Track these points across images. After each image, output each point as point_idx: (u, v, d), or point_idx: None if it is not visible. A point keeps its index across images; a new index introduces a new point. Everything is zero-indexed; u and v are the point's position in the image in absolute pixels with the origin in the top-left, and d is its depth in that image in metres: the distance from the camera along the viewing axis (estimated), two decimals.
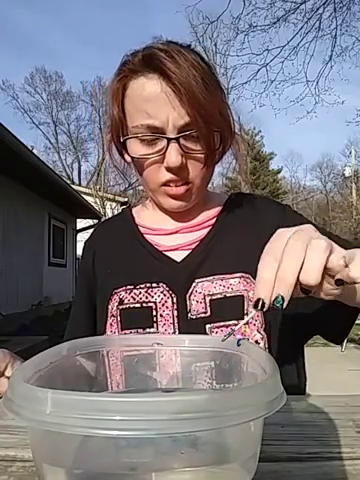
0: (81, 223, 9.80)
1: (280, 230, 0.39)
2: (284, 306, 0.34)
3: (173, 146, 0.58)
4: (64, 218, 8.49)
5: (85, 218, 9.75)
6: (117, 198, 12.50)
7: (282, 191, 26.01)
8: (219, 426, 0.23)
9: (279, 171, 26.65)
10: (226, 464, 0.29)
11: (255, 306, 0.35)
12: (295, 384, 0.66)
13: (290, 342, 0.64)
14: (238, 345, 0.39)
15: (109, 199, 12.69)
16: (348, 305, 0.54)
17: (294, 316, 0.64)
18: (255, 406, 0.24)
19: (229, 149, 0.67)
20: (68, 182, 9.95)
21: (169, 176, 0.61)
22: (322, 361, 3.62)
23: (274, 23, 7.34)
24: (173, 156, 0.58)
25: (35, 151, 8.66)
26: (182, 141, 0.58)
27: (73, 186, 9.52)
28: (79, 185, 16.58)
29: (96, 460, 0.29)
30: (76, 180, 22.44)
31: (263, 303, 0.35)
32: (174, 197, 0.64)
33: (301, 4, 7.09)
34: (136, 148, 0.61)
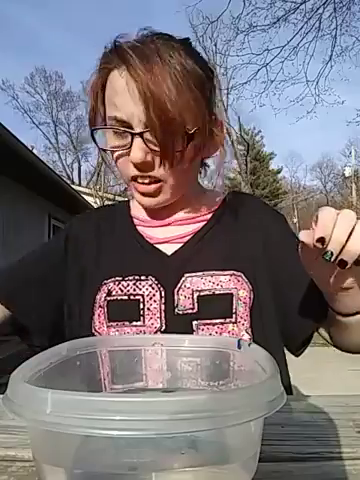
0: None
1: (324, 207, 0.44)
2: (331, 260, 0.41)
3: (136, 141, 0.57)
4: (64, 218, 8.48)
5: None
6: (117, 198, 12.50)
7: (282, 191, 26.01)
8: (219, 426, 0.23)
9: (279, 171, 26.66)
10: (226, 464, 0.29)
11: (318, 241, 0.41)
12: (286, 385, 0.65)
13: (276, 344, 0.64)
14: (239, 346, 0.39)
15: (109, 199, 12.70)
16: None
17: (277, 321, 0.64)
18: (255, 406, 0.24)
19: (214, 148, 0.65)
20: (68, 182, 9.95)
21: (136, 172, 0.60)
22: (322, 361, 3.62)
23: (274, 23, 7.38)
24: (135, 152, 0.57)
25: (35, 151, 8.66)
26: (148, 137, 0.56)
27: (73, 186, 9.52)
28: (79, 185, 16.58)
29: (96, 460, 0.29)
30: (76, 180, 22.47)
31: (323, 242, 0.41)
32: (143, 194, 0.62)
33: (301, 4, 7.11)
34: (109, 139, 0.60)
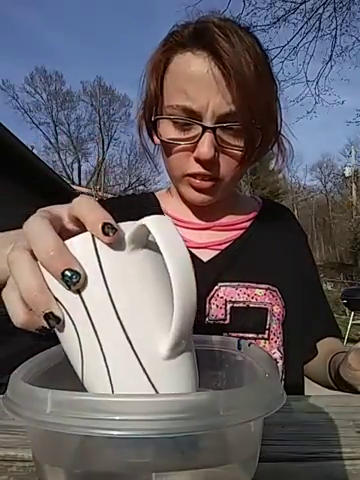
0: None
1: None
2: None
3: (207, 136, 0.51)
4: None
5: None
6: None
7: (282, 191, 26.00)
8: (219, 426, 0.23)
9: (279, 171, 26.64)
10: (226, 464, 0.29)
11: None
12: (301, 387, 0.65)
13: (300, 360, 0.63)
14: (239, 347, 0.39)
15: None
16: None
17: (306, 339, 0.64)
18: (255, 406, 0.24)
19: (271, 149, 0.61)
20: (68, 182, 9.95)
21: (197, 168, 0.54)
22: None
23: (274, 23, 7.35)
24: (206, 147, 0.51)
25: (35, 151, 8.66)
26: (218, 132, 0.52)
27: (73, 186, 9.52)
28: (79, 185, 16.60)
29: (96, 460, 0.29)
30: (76, 180, 22.46)
31: None
32: (197, 189, 0.57)
33: (301, 4, 7.10)
34: (167, 130, 0.54)
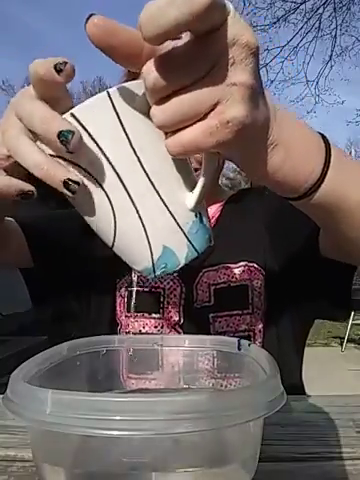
0: None
1: None
2: None
3: None
4: None
5: None
6: None
7: None
8: (219, 426, 0.23)
9: None
10: (226, 464, 0.29)
11: None
12: (297, 384, 0.65)
13: (292, 336, 0.64)
14: (239, 347, 0.39)
15: None
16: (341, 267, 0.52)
17: (296, 300, 0.63)
18: (255, 406, 0.24)
19: None
20: None
21: None
22: (322, 361, 3.62)
23: (274, 23, 7.35)
24: None
25: None
26: None
27: None
28: None
29: (96, 460, 0.29)
30: None
31: None
32: None
33: (301, 4, 7.10)
34: None
